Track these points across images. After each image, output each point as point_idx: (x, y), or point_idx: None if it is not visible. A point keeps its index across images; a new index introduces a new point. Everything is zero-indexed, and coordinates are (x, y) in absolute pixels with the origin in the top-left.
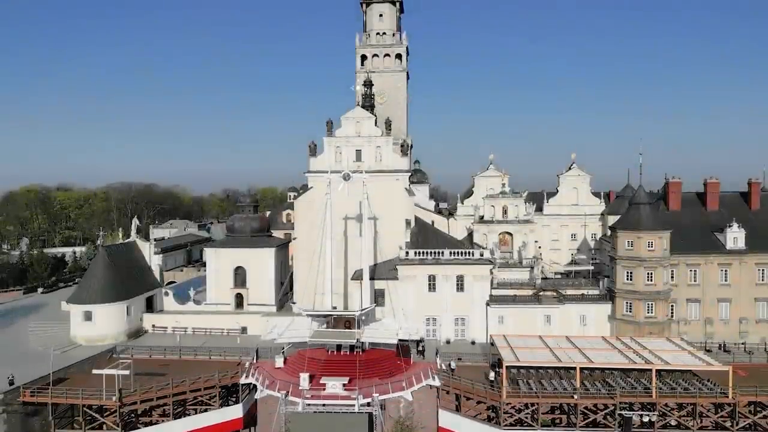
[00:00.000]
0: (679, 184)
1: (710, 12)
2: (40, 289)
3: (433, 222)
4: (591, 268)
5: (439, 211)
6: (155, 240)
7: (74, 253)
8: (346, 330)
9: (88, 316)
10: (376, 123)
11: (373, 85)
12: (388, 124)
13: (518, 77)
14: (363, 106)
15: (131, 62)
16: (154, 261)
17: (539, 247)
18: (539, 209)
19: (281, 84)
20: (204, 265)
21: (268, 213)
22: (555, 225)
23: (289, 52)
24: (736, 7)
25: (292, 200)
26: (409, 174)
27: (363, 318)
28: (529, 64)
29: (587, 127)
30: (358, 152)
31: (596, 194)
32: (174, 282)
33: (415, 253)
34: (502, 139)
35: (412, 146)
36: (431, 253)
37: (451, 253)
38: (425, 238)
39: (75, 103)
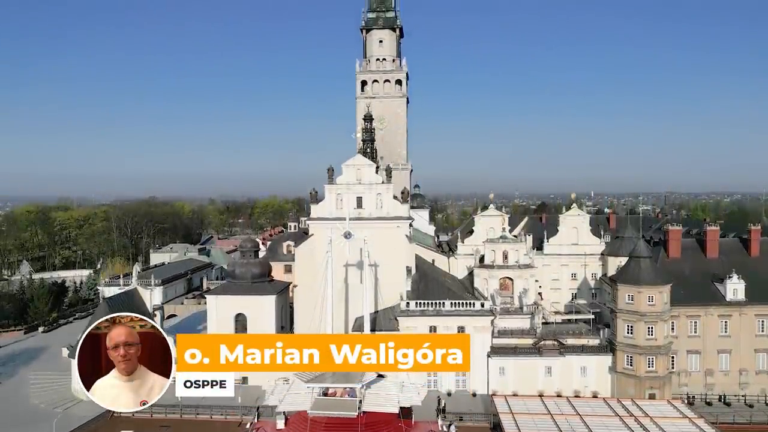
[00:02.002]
0: (679, 231)
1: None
2: (41, 328)
3: (433, 261)
4: (591, 317)
5: (439, 244)
6: (155, 265)
7: (74, 282)
8: (347, 400)
9: None
10: (377, 170)
11: (373, 119)
12: (388, 172)
13: (515, 81)
14: (364, 141)
15: (138, 70)
16: (155, 300)
17: (539, 287)
18: (539, 248)
19: (282, 88)
20: (204, 295)
21: (269, 243)
22: (555, 264)
23: (291, 57)
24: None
25: (291, 230)
26: (410, 221)
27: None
28: (527, 68)
29: (586, 128)
30: (359, 199)
31: (595, 231)
32: (174, 316)
33: (416, 304)
34: (501, 140)
35: (412, 170)
36: (432, 304)
37: (452, 304)
38: (426, 286)
39: (75, 107)
